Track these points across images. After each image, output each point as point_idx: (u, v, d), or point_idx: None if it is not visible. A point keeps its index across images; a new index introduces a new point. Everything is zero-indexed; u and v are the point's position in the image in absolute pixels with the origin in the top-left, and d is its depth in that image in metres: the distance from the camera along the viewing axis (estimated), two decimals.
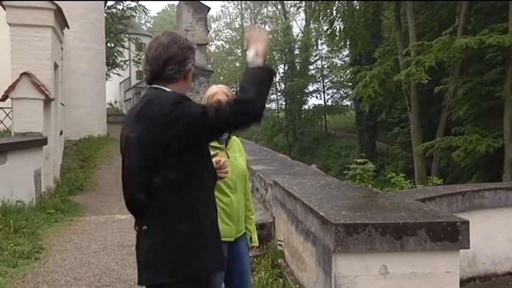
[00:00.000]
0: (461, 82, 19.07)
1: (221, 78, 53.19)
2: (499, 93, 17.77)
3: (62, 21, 11.37)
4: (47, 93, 9.96)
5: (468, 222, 3.13)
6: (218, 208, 3.02)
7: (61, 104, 14.20)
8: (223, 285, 3.17)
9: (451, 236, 3.07)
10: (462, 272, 4.74)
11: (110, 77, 30.63)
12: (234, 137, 3.26)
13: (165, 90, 2.19)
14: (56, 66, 11.30)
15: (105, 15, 23.17)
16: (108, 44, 26.92)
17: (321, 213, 3.33)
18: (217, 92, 3.13)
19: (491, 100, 18.48)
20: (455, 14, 20.76)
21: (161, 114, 2.06)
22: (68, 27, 12.49)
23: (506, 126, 17.29)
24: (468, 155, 17.94)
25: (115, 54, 30.03)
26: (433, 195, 5.11)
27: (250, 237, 3.31)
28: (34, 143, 9.46)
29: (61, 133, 13.90)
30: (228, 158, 3.11)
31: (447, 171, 22.31)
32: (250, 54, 2.24)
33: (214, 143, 3.09)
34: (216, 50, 62.63)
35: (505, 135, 17.26)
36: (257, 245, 3.44)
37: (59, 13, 10.52)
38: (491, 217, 5.46)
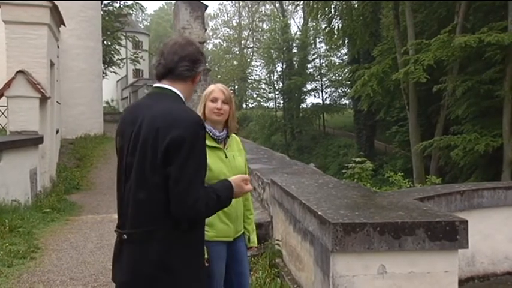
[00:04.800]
0: (460, 81, 19.06)
1: (219, 76, 53.11)
2: (498, 92, 17.77)
3: (58, 19, 11.30)
4: (43, 91, 9.90)
5: (467, 221, 3.11)
6: None
7: (57, 102, 14.16)
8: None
9: (449, 235, 3.05)
10: (461, 271, 4.72)
11: (106, 75, 30.62)
12: (233, 136, 3.22)
13: (176, 93, 2.20)
14: (52, 64, 11.25)
15: (101, 13, 23.12)
16: (105, 42, 26.89)
17: (319, 213, 3.30)
18: (214, 90, 3.11)
19: (490, 99, 18.49)
20: (454, 13, 20.76)
21: (182, 133, 2.03)
22: (64, 25, 12.43)
23: (505, 125, 17.29)
24: (467, 154, 17.93)
25: (112, 52, 30.00)
26: (431, 194, 5.07)
27: (249, 237, 3.28)
28: (30, 141, 9.41)
29: (57, 132, 13.86)
30: (226, 157, 3.06)
31: (446, 171, 22.33)
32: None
33: (211, 142, 3.04)
34: (214, 48, 62.58)
35: (504, 134, 17.26)
36: (256, 245, 3.40)
37: (55, 10, 10.46)
38: (490, 216, 5.43)
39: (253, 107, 53.84)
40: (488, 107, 18.83)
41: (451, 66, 20.39)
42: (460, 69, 20.29)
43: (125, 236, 2.16)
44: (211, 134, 3.05)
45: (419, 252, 3.05)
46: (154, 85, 2.28)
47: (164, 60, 2.22)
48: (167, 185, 2.03)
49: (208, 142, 3.02)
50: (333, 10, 28.65)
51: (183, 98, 2.22)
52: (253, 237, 3.31)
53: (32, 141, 9.52)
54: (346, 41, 31.58)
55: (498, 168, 17.61)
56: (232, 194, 2.28)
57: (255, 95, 52.60)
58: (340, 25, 29.16)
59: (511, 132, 17.20)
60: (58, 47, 13.53)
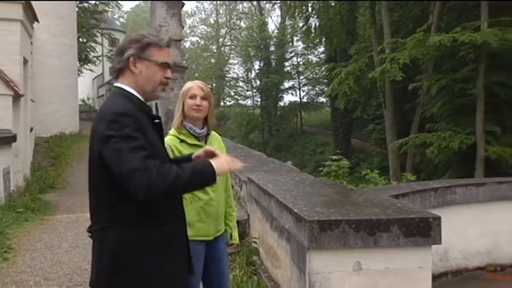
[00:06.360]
0: (434, 79, 19.32)
1: (196, 74, 52.76)
2: (471, 91, 18.08)
3: (31, 15, 11.11)
4: (16, 89, 9.74)
5: (440, 218, 3.14)
6: (197, 207, 2.97)
7: (31, 100, 13.91)
8: (201, 284, 3.12)
9: (423, 231, 3.07)
10: (434, 267, 4.80)
11: (82, 72, 30.16)
12: (214, 133, 3.21)
13: (122, 88, 2.20)
14: (25, 61, 11.05)
15: (77, 9, 22.77)
16: (80, 39, 26.50)
17: (295, 210, 3.31)
18: (192, 87, 3.08)
19: (463, 97, 18.79)
20: (428, 12, 21.06)
21: (99, 128, 2.07)
22: (38, 21, 12.22)
23: (479, 123, 17.61)
24: (441, 151, 18.20)
25: (87, 49, 29.57)
26: (406, 191, 5.14)
27: (231, 234, 3.28)
28: (2, 140, 9.25)
29: (31, 130, 13.62)
30: None
31: (421, 168, 22.61)
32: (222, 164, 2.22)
33: (192, 140, 3.02)
34: (191, 46, 62.22)
35: (477, 132, 17.58)
36: (237, 242, 3.41)
37: (28, 7, 10.28)
38: (462, 213, 5.53)
39: (230, 105, 53.71)
40: (462, 105, 19.12)
41: (426, 65, 20.67)
42: (434, 68, 20.57)
43: (88, 234, 2.20)
44: (191, 131, 3.04)
45: (394, 248, 3.07)
46: None
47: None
48: (110, 182, 2.03)
49: (189, 140, 3.01)
50: (310, 9, 28.79)
51: (131, 90, 2.19)
52: (235, 234, 3.32)
53: (5, 139, 9.35)
54: (323, 40, 31.70)
55: (472, 165, 17.91)
56: (210, 168, 2.10)
57: (232, 93, 52.50)
58: (317, 24, 29.33)
59: (483, 130, 17.54)
60: (32, 43, 13.29)
